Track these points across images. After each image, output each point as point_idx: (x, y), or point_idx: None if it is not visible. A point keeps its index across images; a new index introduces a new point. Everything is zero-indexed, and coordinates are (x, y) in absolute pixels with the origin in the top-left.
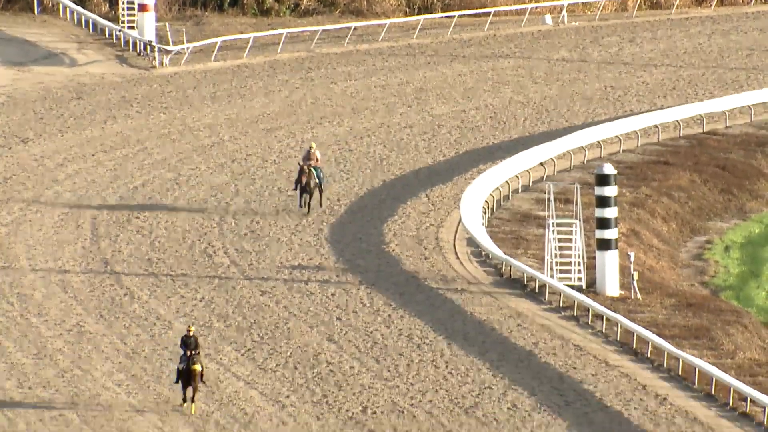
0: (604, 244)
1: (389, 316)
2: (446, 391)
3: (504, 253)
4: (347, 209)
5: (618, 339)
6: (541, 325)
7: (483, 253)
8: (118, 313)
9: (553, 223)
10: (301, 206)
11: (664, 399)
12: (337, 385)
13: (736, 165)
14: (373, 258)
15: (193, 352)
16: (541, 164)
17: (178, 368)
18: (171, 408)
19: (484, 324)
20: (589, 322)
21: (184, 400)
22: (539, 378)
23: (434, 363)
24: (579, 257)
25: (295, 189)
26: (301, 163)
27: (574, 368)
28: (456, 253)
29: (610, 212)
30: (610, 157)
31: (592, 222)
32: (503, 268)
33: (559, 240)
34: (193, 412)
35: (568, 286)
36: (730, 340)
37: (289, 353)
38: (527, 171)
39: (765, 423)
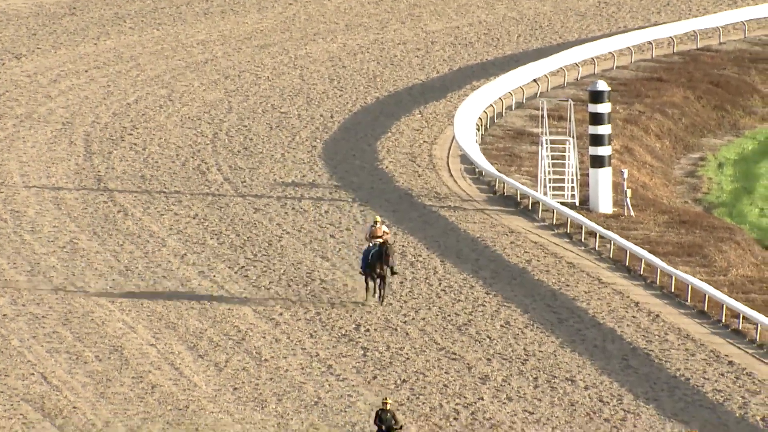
0: (598, 161)
1: None
2: (439, 308)
3: (497, 170)
4: (340, 126)
5: (611, 256)
6: (534, 242)
7: (476, 170)
8: (111, 230)
9: (546, 140)
10: (373, 300)
11: (657, 316)
12: (330, 303)
13: (729, 81)
14: (367, 175)
15: (395, 427)
16: (535, 81)
17: None
18: (164, 325)
19: (477, 241)
20: (582, 240)
21: None
22: (532, 295)
23: (427, 280)
24: (572, 174)
25: (364, 273)
26: (370, 242)
27: (567, 285)
28: (449, 170)
29: (604, 129)
30: (604, 73)
31: (585, 139)
32: (496, 185)
33: (553, 157)
34: None
35: (561, 203)
36: (723, 257)
37: (282, 271)
38: (521, 88)
39: (757, 339)
